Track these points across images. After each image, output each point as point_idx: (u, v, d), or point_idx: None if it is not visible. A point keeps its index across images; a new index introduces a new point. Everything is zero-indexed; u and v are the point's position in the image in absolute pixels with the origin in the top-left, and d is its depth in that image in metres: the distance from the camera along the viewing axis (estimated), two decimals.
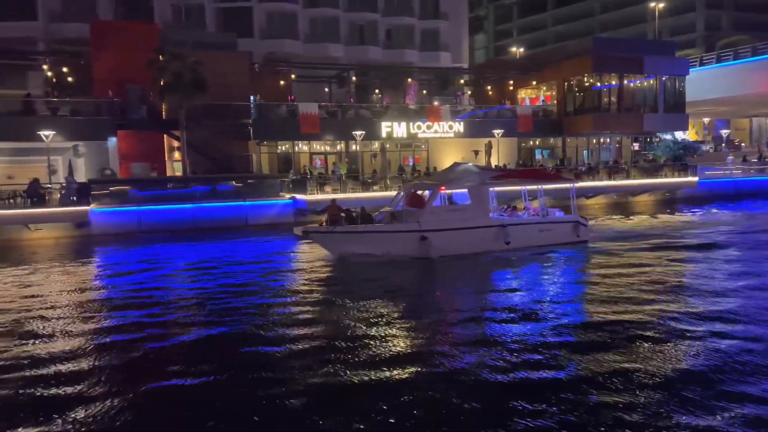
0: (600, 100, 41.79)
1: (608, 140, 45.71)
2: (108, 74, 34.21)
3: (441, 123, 38.71)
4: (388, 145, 39.30)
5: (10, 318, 14.58)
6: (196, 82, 31.78)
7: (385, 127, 37.85)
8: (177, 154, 35.93)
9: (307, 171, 36.34)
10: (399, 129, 38.14)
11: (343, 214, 20.93)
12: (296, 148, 38.88)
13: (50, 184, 29.32)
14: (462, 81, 50.68)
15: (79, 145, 32.99)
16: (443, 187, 21.26)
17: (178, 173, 35.10)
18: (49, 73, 37.19)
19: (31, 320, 14.29)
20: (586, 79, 42.18)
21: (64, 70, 37.26)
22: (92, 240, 27.59)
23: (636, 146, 47.87)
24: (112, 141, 33.54)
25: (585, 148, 45.56)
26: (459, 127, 39.50)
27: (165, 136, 35.86)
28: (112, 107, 33.07)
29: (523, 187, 24.52)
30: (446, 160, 38.62)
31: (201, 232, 28.60)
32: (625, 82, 41.84)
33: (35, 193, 27.56)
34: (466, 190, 21.59)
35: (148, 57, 32.14)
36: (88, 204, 27.87)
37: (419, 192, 21.92)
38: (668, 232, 26.75)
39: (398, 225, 20.61)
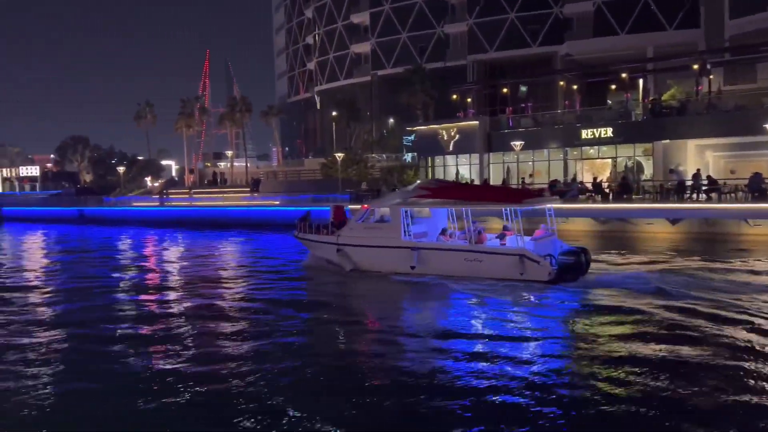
0: None
1: None
2: None
3: None
4: None
5: None
6: None
7: None
8: None
9: None
10: None
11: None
12: None
13: None
14: None
15: None
16: (366, 205, 22.31)
17: None
18: None
19: None
20: None
21: None
22: None
23: None
24: None
25: None
26: None
27: None
28: None
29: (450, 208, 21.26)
30: None
31: None
32: None
33: (757, 188, 27.22)
34: (388, 209, 21.49)
35: None
36: None
37: (340, 206, 25.05)
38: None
39: (325, 236, 22.46)
